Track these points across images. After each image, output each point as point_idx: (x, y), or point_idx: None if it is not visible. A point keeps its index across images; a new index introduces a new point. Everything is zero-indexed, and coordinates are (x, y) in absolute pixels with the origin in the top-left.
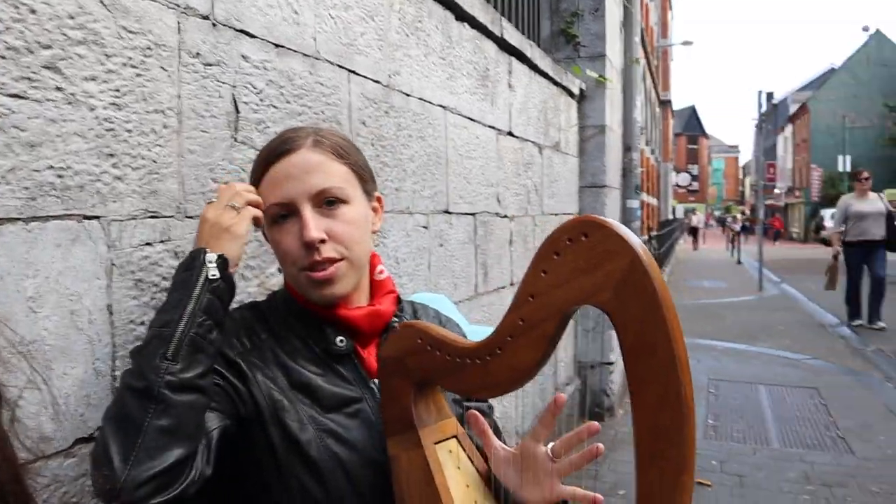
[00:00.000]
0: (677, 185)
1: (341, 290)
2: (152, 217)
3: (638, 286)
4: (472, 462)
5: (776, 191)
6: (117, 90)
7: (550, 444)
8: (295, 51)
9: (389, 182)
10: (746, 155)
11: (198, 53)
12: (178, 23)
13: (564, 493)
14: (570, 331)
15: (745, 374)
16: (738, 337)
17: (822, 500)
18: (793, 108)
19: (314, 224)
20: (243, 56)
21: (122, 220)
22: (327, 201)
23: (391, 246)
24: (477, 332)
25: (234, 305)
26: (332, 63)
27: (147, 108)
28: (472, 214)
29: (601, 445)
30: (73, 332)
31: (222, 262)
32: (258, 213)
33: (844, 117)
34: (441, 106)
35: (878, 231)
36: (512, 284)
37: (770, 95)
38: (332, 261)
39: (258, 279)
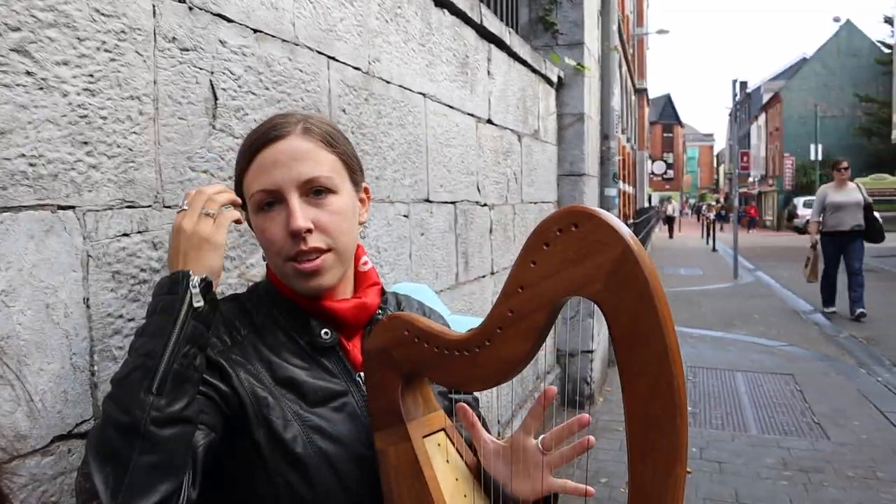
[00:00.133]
0: (653, 174)
1: (328, 281)
2: (129, 207)
3: (629, 277)
4: (461, 455)
5: (750, 179)
6: (91, 75)
7: (541, 437)
8: (273, 36)
9: (370, 170)
10: (721, 143)
11: (174, 38)
12: (154, 6)
13: (555, 485)
14: None
15: (722, 360)
16: (714, 324)
17: (799, 485)
18: (766, 97)
19: (301, 213)
20: (221, 41)
21: (97, 211)
22: (315, 190)
23: (372, 235)
24: (459, 322)
25: None
26: (311, 49)
27: (122, 94)
28: (453, 203)
29: (592, 438)
30: (48, 327)
31: (206, 286)
32: (236, 214)
33: (816, 106)
34: (421, 93)
35: (854, 222)
36: (493, 273)
37: (744, 84)
38: (319, 251)
39: (238, 270)
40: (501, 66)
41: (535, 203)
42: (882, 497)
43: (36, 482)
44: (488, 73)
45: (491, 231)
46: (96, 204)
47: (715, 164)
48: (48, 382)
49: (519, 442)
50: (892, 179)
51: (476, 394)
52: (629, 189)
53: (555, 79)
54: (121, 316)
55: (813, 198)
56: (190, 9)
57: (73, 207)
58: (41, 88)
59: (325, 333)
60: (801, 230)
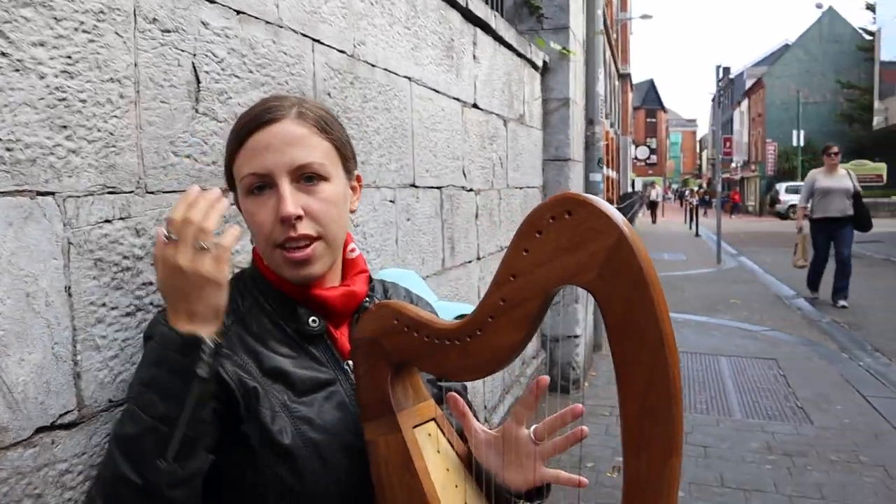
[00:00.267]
0: (636, 159)
1: (317, 270)
2: (111, 193)
3: (624, 265)
4: (452, 445)
5: (732, 165)
6: (69, 57)
7: (533, 427)
8: (257, 18)
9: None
10: (703, 129)
11: (154, 19)
12: None
13: (548, 475)
14: None
15: (707, 345)
16: (698, 309)
17: (783, 469)
18: (749, 83)
19: (291, 199)
20: (203, 22)
21: (78, 197)
22: (306, 177)
23: (358, 220)
24: (446, 308)
25: None
26: (295, 31)
27: (102, 76)
28: (439, 188)
29: (585, 428)
30: (29, 316)
31: (217, 348)
32: (231, 243)
33: (798, 92)
34: (406, 77)
35: (842, 208)
36: (479, 259)
37: (727, 70)
38: (308, 238)
39: None
40: (487, 49)
41: (520, 188)
42: (864, 480)
43: (19, 475)
44: (474, 56)
45: (477, 216)
46: (77, 190)
47: (698, 150)
48: (29, 373)
49: (511, 432)
50: (873, 166)
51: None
52: (613, 174)
53: (540, 63)
54: (104, 304)
55: (795, 183)
56: None
57: (52, 193)
58: (17, 70)
59: (313, 321)
60: (784, 216)
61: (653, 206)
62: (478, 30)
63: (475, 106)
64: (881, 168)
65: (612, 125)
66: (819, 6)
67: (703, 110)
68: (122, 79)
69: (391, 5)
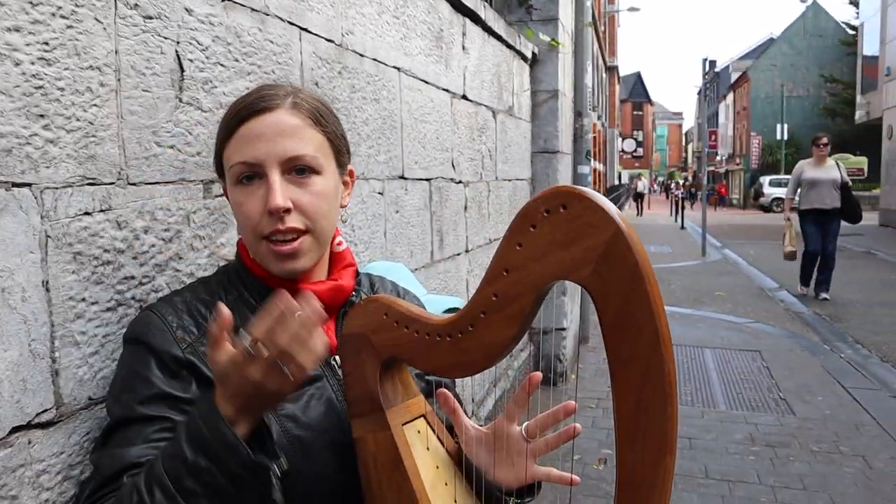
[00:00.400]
0: (623, 151)
1: (303, 265)
2: (90, 184)
3: (620, 261)
4: (442, 442)
5: (717, 158)
6: (46, 43)
7: (524, 424)
8: (242, 5)
9: None
10: (689, 122)
11: (136, 5)
12: None
13: (539, 473)
14: None
15: (692, 337)
16: (683, 301)
17: (766, 460)
18: (734, 77)
19: (281, 191)
20: (186, 9)
21: (56, 188)
22: (297, 169)
23: (346, 213)
24: (434, 301)
25: (183, 280)
26: (282, 20)
27: (81, 63)
28: (428, 180)
29: (578, 426)
30: (4, 312)
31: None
32: (314, 365)
33: (783, 86)
34: (395, 67)
35: (830, 200)
36: (467, 251)
37: (713, 63)
38: (296, 232)
39: (209, 249)
40: (476, 40)
41: (509, 180)
42: (845, 471)
43: None
44: (463, 47)
45: (466, 208)
46: (55, 181)
47: (684, 143)
48: (5, 370)
49: (502, 429)
50: (855, 159)
51: None
52: (600, 167)
53: (529, 55)
54: (83, 299)
55: (779, 176)
56: None
57: (29, 185)
58: None
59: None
60: (767, 208)
61: (639, 197)
62: (467, 20)
63: (464, 97)
64: (862, 162)
65: (599, 118)
66: (804, 0)
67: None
68: (103, 66)
69: None
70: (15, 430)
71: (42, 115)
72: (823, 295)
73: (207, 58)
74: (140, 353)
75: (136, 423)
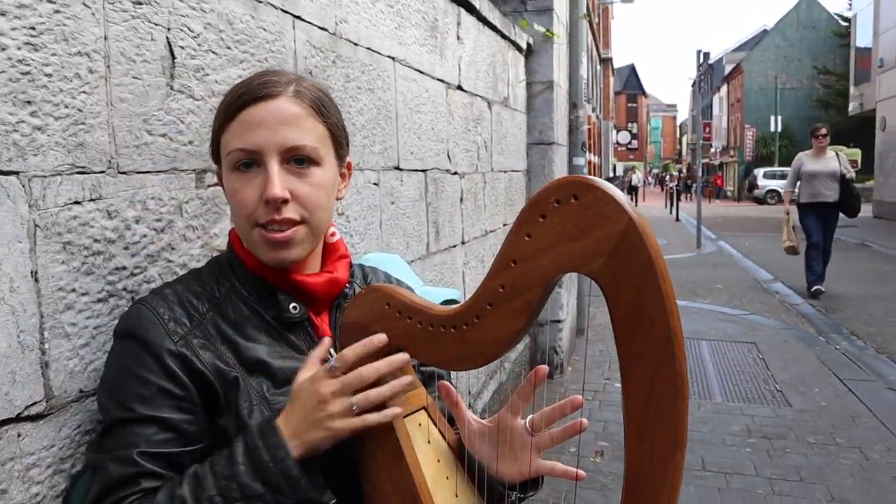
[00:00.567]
0: (618, 143)
1: (295, 255)
2: (80, 173)
3: (633, 254)
4: (443, 435)
5: (712, 150)
6: (32, 28)
7: (529, 417)
8: None
9: None
10: (684, 114)
11: None
12: None
13: (543, 468)
14: None
15: (688, 329)
16: (679, 293)
17: (762, 451)
18: (728, 69)
19: (279, 181)
20: None
21: (44, 176)
22: (297, 159)
23: (342, 204)
24: (430, 293)
25: (176, 270)
26: (275, 7)
27: (69, 49)
28: (423, 171)
29: (585, 421)
30: None
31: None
32: (373, 423)
33: (776, 78)
34: (390, 57)
35: (830, 193)
36: (463, 243)
37: (707, 55)
38: (291, 223)
39: (202, 240)
40: (471, 30)
41: (504, 172)
42: (841, 462)
43: None
44: (458, 37)
45: (462, 200)
46: (43, 169)
47: (678, 135)
48: None
49: (506, 422)
50: (850, 151)
51: None
52: (595, 159)
53: (524, 45)
54: (73, 290)
55: (773, 168)
56: None
57: (16, 173)
58: None
59: (294, 308)
60: (762, 200)
61: (633, 190)
62: (462, 10)
63: (460, 88)
64: (856, 153)
65: (594, 110)
66: None
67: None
68: (91, 52)
69: None
70: (4, 422)
71: (29, 102)
72: (817, 287)
73: (199, 45)
74: (132, 348)
75: (135, 424)
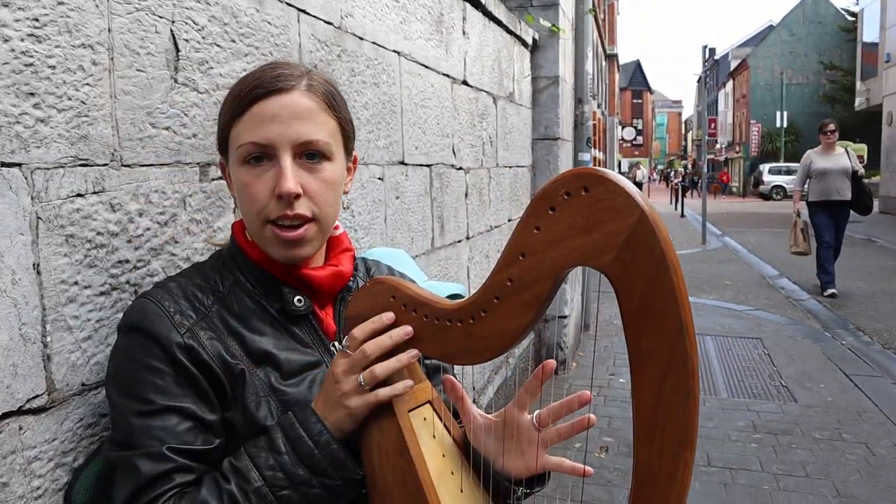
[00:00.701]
0: (623, 140)
1: (307, 252)
2: (83, 165)
3: (645, 248)
4: (448, 429)
5: (717, 146)
6: (36, 19)
7: (536, 412)
8: None
9: None
10: (689, 110)
11: None
12: None
13: (550, 463)
14: None
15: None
16: None
17: (768, 447)
18: (733, 64)
19: (293, 176)
20: None
21: (47, 169)
22: (309, 154)
23: (347, 198)
24: (435, 287)
25: (179, 264)
26: (280, 0)
27: (72, 41)
28: (428, 166)
29: (593, 417)
30: None
31: None
32: (384, 398)
33: (782, 73)
34: (395, 51)
35: (841, 190)
36: (468, 238)
37: (712, 51)
38: (302, 219)
39: (205, 234)
40: (477, 25)
41: (510, 167)
42: (847, 458)
43: None
44: (463, 32)
45: (466, 195)
46: (46, 161)
47: (683, 131)
48: None
49: (512, 416)
50: (856, 146)
51: None
52: (600, 155)
53: (529, 40)
54: (76, 283)
55: (778, 164)
56: None
57: (19, 165)
58: None
59: (299, 301)
60: (767, 196)
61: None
62: (467, 4)
63: (465, 83)
64: (862, 149)
65: (599, 106)
66: None
67: (689, 92)
68: (95, 45)
69: None
70: (5, 415)
71: (32, 94)
72: (832, 290)
73: (203, 38)
74: (140, 341)
75: (156, 417)
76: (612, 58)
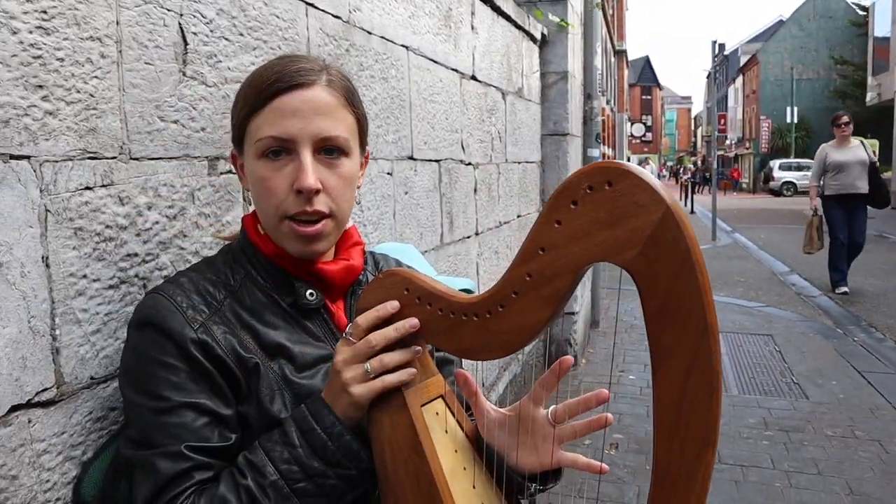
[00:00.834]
0: (632, 136)
1: (324, 247)
2: (92, 158)
3: (670, 244)
4: (460, 424)
5: (727, 142)
6: (44, 12)
7: (552, 407)
8: None
9: None
10: (698, 106)
11: None
12: None
13: (565, 459)
14: None
15: None
16: None
17: (780, 444)
18: (743, 60)
19: (313, 171)
20: None
21: (56, 161)
22: (327, 149)
23: (357, 193)
24: (444, 282)
25: (188, 258)
26: None
27: (81, 34)
28: (437, 161)
29: (610, 416)
30: (2, 288)
31: None
32: (390, 385)
33: (792, 69)
34: (404, 46)
35: (860, 184)
36: (477, 234)
37: (721, 47)
38: (320, 215)
39: (214, 228)
40: (485, 20)
41: (518, 163)
42: (860, 455)
43: None
44: (472, 27)
45: (476, 191)
46: (54, 154)
47: (693, 127)
48: (4, 348)
49: (527, 411)
50: (868, 142)
51: None
52: (609, 151)
53: (538, 36)
54: (84, 276)
55: (788, 160)
56: None
57: (27, 157)
58: None
59: (311, 294)
60: (777, 192)
61: None
62: None
63: (473, 78)
64: (874, 144)
65: (608, 102)
66: None
67: (699, 87)
68: (103, 37)
69: None
70: (14, 408)
71: (41, 86)
72: (844, 288)
73: (212, 31)
74: (153, 337)
75: (172, 414)
76: (621, 54)
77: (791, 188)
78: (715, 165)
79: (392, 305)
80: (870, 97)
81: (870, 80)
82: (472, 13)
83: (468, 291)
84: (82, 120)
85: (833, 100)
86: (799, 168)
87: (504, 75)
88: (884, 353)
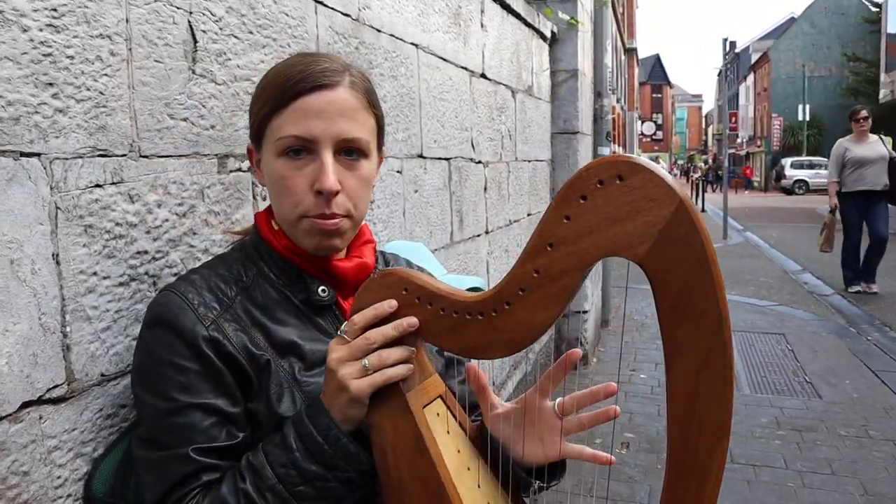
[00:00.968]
0: (642, 134)
1: (339, 244)
2: (101, 156)
3: (683, 239)
4: (460, 423)
5: (738, 140)
6: (54, 10)
7: (558, 400)
8: None
9: None
10: (709, 104)
11: None
12: None
13: (572, 451)
14: None
15: None
16: None
17: (792, 444)
18: (754, 58)
19: (333, 172)
20: None
21: (66, 159)
22: (347, 150)
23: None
24: (454, 280)
25: (198, 255)
26: None
27: (91, 31)
28: (447, 159)
29: (618, 408)
30: (13, 284)
31: None
32: (392, 378)
33: (804, 66)
34: (413, 44)
35: (879, 180)
36: (487, 232)
37: (733, 44)
38: (339, 217)
39: (223, 225)
40: (495, 18)
41: (529, 161)
42: (874, 455)
43: (4, 451)
44: (482, 25)
45: (485, 189)
46: (64, 151)
47: (703, 125)
48: (15, 344)
49: (533, 402)
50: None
51: None
52: (619, 150)
53: (548, 34)
54: (95, 273)
55: (800, 158)
56: None
57: (38, 155)
58: None
59: (323, 291)
60: (789, 191)
61: None
62: None
63: (483, 76)
64: (887, 142)
65: (618, 100)
66: None
67: (709, 86)
68: (113, 35)
69: None
70: (25, 405)
71: (51, 84)
72: (874, 287)
73: (221, 29)
74: (164, 336)
75: (180, 415)
76: (631, 52)
77: (803, 186)
78: (726, 164)
79: (390, 304)
80: (883, 94)
81: (883, 76)
82: (482, 11)
83: (478, 290)
84: (92, 118)
85: (845, 97)
86: (811, 166)
87: (514, 73)
88: None
